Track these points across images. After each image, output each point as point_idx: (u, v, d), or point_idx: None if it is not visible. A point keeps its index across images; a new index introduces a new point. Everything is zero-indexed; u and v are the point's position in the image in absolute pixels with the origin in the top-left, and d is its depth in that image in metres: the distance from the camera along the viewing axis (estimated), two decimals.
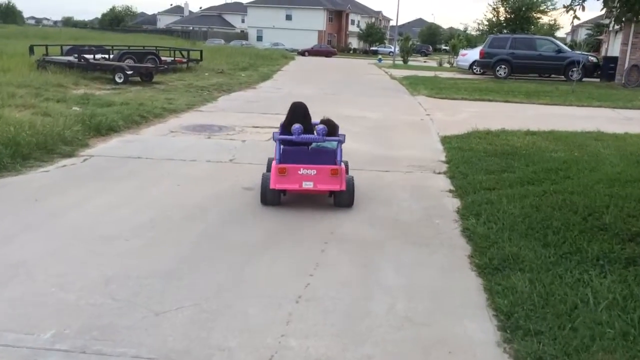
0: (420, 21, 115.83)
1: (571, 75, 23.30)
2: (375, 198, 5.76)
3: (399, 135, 9.82)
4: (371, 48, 73.95)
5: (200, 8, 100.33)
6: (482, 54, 25.37)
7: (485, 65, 25.55)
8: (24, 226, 4.59)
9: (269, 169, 5.67)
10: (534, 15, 33.57)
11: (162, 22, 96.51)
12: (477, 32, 39.67)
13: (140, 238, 4.45)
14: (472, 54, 29.35)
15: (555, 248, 4.10)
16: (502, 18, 34.13)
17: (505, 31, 32.38)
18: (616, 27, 24.75)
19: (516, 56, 24.31)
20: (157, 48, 20.98)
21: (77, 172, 6.41)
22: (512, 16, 33.36)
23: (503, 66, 24.49)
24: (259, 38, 73.20)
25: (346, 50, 73.86)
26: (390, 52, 59.53)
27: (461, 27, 58.95)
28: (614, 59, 23.41)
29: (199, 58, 22.06)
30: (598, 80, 24.08)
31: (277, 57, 36.19)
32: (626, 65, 22.04)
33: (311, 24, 72.83)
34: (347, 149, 7.47)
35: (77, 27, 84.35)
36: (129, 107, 10.41)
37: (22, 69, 14.87)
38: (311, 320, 3.25)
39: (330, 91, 17.04)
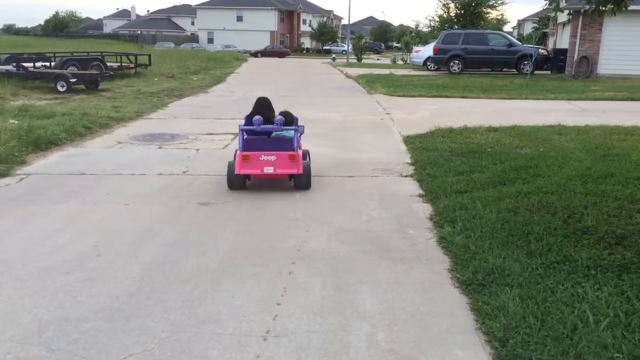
0: (371, 19, 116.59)
1: (523, 69, 23.59)
2: (343, 208, 5.37)
3: (360, 136, 9.48)
4: (324, 47, 73.80)
5: (148, 11, 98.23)
6: (436, 50, 25.41)
7: (439, 61, 25.60)
8: None
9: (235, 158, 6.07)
10: (484, 10, 33.97)
11: (109, 27, 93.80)
12: (429, 29, 39.90)
13: (81, 270, 3.92)
14: (425, 51, 29.43)
15: (541, 257, 3.79)
16: (452, 14, 34.40)
17: (456, 27, 32.65)
18: (564, 19, 25.24)
19: (469, 51, 24.44)
20: (103, 54, 20.08)
21: (9, 194, 5.77)
22: (462, 12, 33.65)
23: (457, 62, 24.58)
24: (210, 40, 71.91)
25: (299, 50, 73.42)
26: (344, 50, 59.48)
27: (412, 24, 59.40)
28: (564, 51, 23.80)
29: (147, 63, 21.22)
30: (549, 72, 24.46)
31: (229, 59, 35.43)
32: (575, 57, 22.42)
33: (262, 25, 72.09)
34: (310, 153, 7.17)
35: (19, 35, 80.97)
36: (72, 118, 9.71)
37: None
38: None
39: (286, 93, 16.57)
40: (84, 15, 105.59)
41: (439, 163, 6.96)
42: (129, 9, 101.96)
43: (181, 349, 2.93)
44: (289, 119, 6.12)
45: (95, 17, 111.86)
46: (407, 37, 44.47)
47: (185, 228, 4.82)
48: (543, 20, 47.73)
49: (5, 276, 3.80)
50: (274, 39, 71.55)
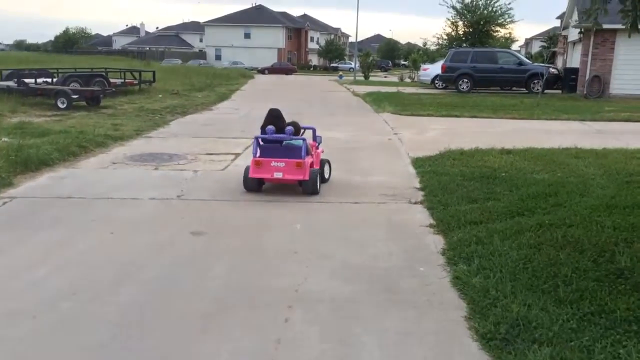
0: (378, 37, 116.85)
1: (533, 88, 23.18)
2: (347, 240, 4.93)
3: (367, 157, 9.06)
4: (331, 64, 73.78)
5: (157, 28, 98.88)
6: (444, 68, 25.07)
7: (448, 79, 25.25)
8: None
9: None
10: (492, 28, 33.66)
11: (118, 43, 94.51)
12: (436, 47, 39.65)
13: (52, 312, 3.49)
14: (433, 69, 29.11)
15: (572, 306, 3.33)
16: (461, 32, 34.10)
17: (464, 45, 32.35)
18: (575, 37, 24.84)
19: (478, 70, 24.09)
20: (107, 70, 19.83)
21: None
22: (471, 30, 33.35)
23: (465, 80, 24.22)
24: (218, 57, 72.11)
25: (306, 67, 73.47)
26: (351, 68, 59.40)
27: (420, 42, 59.20)
28: (575, 70, 23.39)
29: (151, 79, 20.96)
30: (560, 91, 24.04)
31: (235, 76, 35.26)
32: (587, 76, 22.00)
33: (270, 42, 72.29)
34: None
35: (29, 51, 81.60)
36: (68, 136, 9.35)
37: None
38: None
39: (291, 110, 16.15)
40: (93, 32, 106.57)
41: (450, 189, 6.51)
42: (138, 26, 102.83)
43: None
44: (297, 129, 6.59)
45: (105, 33, 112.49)
46: (414, 55, 44.24)
47: (174, 262, 4.39)
48: (552, 39, 47.46)
49: None
50: (282, 56, 71.67)
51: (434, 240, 4.95)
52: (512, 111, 15.82)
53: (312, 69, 73.35)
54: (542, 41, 59.30)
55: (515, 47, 45.67)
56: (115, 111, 14.42)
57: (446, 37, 34.98)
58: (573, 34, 25.87)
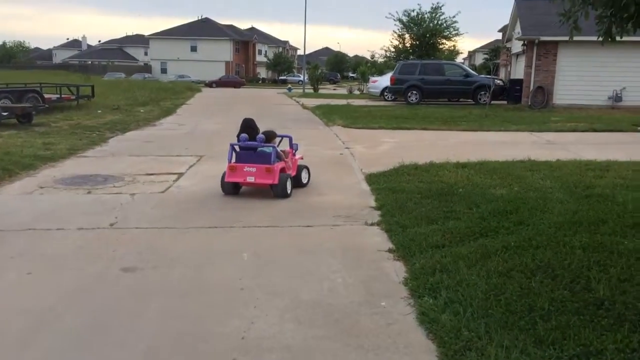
0: (326, 50, 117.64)
1: (480, 99, 23.46)
2: (299, 271, 4.45)
3: (318, 174, 8.57)
4: (280, 77, 73.40)
5: (100, 42, 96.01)
6: (393, 81, 25.10)
7: (397, 91, 25.29)
8: None
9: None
10: (439, 41, 34.15)
11: (59, 57, 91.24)
12: (384, 59, 39.92)
13: None
14: (382, 81, 29.16)
15: (555, 347, 2.95)
16: (408, 44, 34.44)
17: (412, 57, 32.63)
18: (518, 49, 25.34)
19: (426, 82, 24.22)
20: (42, 85, 18.68)
21: None
22: (418, 42, 33.73)
23: (414, 92, 24.31)
24: (164, 70, 70.53)
25: (255, 80, 72.85)
26: (300, 80, 59.19)
27: (368, 55, 59.75)
28: (519, 81, 23.82)
29: (90, 94, 19.93)
30: (505, 102, 24.42)
31: (181, 89, 34.33)
32: (531, 87, 22.42)
33: (217, 55, 71.28)
34: (264, 197, 6.96)
35: None
36: None
37: None
38: None
39: (239, 125, 15.66)
40: (32, 46, 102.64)
41: (407, 208, 6.14)
42: (80, 39, 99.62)
43: None
44: (268, 137, 7.10)
45: (45, 47, 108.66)
46: (363, 67, 44.49)
47: (100, 307, 3.79)
48: (495, 52, 48.71)
49: None
50: (230, 69, 70.82)
51: (394, 267, 4.53)
52: (461, 122, 15.81)
53: (260, 82, 72.80)
54: (485, 54, 60.97)
55: (459, 59, 46.58)
56: (48, 129, 13.48)
57: (394, 50, 35.29)
58: (516, 46, 26.43)
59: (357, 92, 38.44)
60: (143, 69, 71.51)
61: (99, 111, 18.15)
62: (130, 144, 11.89)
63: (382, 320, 3.58)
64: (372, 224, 5.81)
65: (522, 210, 5.82)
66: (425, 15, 33.51)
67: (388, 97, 27.10)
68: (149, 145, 11.58)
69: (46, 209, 6.38)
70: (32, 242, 5.18)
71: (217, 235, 5.45)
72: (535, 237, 4.81)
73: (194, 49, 73.37)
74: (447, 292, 3.74)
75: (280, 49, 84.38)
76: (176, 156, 10.18)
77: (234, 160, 7.00)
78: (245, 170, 6.87)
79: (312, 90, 41.73)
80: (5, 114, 13.59)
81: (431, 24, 33.41)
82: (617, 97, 21.72)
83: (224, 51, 72.83)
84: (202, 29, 74.18)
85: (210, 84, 55.95)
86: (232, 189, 7.02)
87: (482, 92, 23.31)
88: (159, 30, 75.91)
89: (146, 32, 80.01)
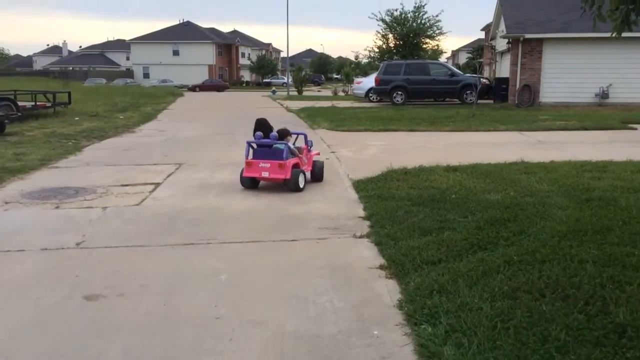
0: (310, 52, 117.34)
1: (466, 98, 23.22)
2: (282, 295, 4.02)
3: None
4: (264, 80, 72.87)
5: (80, 47, 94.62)
6: (378, 81, 24.80)
7: (382, 92, 24.99)
8: None
9: None
10: (422, 40, 33.91)
11: (39, 64, 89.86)
12: (368, 60, 39.62)
13: None
14: (367, 82, 28.88)
15: None
16: (391, 44, 34.17)
17: (395, 57, 32.36)
18: (503, 47, 25.14)
19: (411, 82, 23.94)
20: (16, 92, 18.04)
21: None
22: (401, 42, 33.46)
23: (400, 92, 24.03)
24: (146, 75, 69.70)
25: (239, 83, 72.26)
26: (284, 83, 58.75)
27: (352, 56, 59.47)
28: (505, 80, 23.62)
29: (66, 101, 19.31)
30: (492, 101, 24.21)
31: (162, 94, 33.71)
32: (518, 86, 22.21)
33: (200, 59, 70.63)
34: (246, 208, 6.66)
35: None
36: None
37: None
38: None
39: (222, 130, 15.19)
40: (12, 52, 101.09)
41: (398, 217, 5.74)
42: (60, 45, 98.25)
43: None
44: (282, 134, 7.66)
45: (24, 53, 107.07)
46: (347, 69, 44.16)
47: (54, 345, 3.32)
48: (478, 50, 48.68)
49: None
50: (213, 73, 70.17)
51: (387, 287, 4.12)
52: (449, 123, 15.49)
53: (244, 85, 72.22)
54: (468, 52, 60.98)
55: (443, 58, 46.47)
56: (21, 138, 12.91)
57: (377, 50, 35.00)
58: (501, 44, 26.25)
59: (341, 94, 38.07)
60: (125, 74, 70.56)
61: (76, 118, 17.56)
62: (107, 152, 11.38)
63: (376, 353, 3.16)
64: (361, 236, 5.39)
65: (520, 218, 5.45)
66: (409, 15, 33.29)
67: (373, 98, 26.80)
68: (127, 154, 11.08)
69: (8, 227, 5.87)
70: None
71: (192, 253, 5.00)
72: (539, 249, 4.43)
73: (176, 53, 72.65)
74: (447, 318, 3.33)
75: (264, 52, 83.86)
76: (153, 165, 9.70)
77: (250, 156, 7.41)
78: (260, 166, 7.33)
79: (296, 93, 41.32)
80: None
81: (414, 24, 33.19)
82: (604, 94, 21.58)
83: (207, 55, 72.20)
84: (184, 33, 73.51)
85: (193, 88, 55.31)
86: (250, 184, 7.48)
87: (468, 92, 23.07)
88: (140, 35, 75.09)
89: (127, 37, 78.86)
